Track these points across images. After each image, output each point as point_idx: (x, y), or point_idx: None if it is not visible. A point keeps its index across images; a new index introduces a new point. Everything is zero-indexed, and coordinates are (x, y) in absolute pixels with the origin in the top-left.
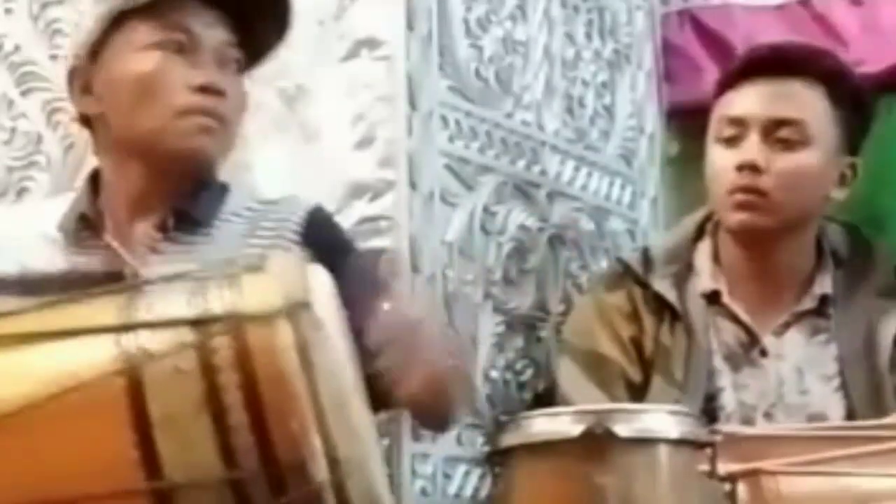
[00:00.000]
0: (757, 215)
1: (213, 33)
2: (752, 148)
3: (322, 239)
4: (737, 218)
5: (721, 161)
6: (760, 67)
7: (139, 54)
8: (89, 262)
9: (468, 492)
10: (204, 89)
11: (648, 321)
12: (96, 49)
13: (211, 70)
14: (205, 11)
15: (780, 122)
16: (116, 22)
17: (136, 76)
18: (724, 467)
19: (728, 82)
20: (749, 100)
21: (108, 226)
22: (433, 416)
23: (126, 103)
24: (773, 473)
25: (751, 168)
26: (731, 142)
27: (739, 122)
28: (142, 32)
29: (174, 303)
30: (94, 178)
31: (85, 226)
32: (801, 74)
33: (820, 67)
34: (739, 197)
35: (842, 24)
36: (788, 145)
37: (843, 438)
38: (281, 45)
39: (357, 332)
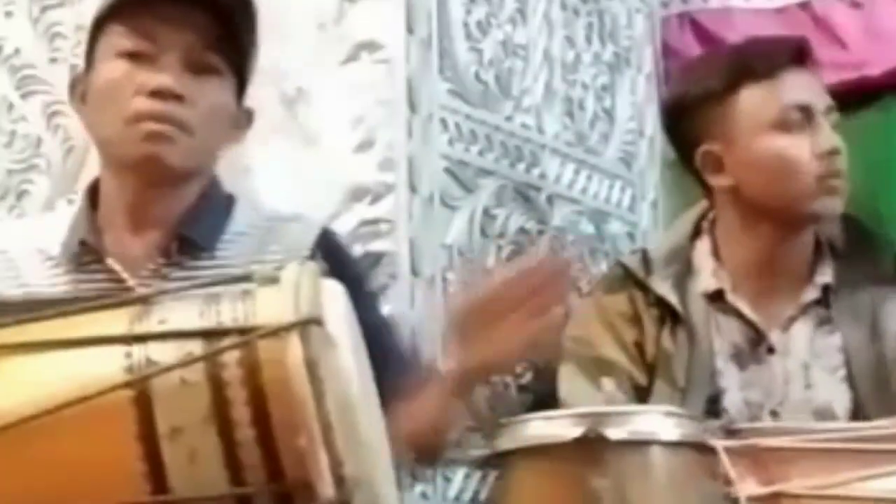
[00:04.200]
0: (840, 199)
1: (180, 37)
2: (831, 133)
3: (333, 267)
4: (831, 204)
5: (798, 150)
6: (797, 57)
7: (110, 62)
8: (92, 287)
9: (468, 495)
10: (157, 94)
11: (650, 324)
12: (88, 57)
13: (172, 75)
14: (176, 14)
15: (830, 109)
16: (100, 29)
17: (102, 85)
18: (744, 488)
19: (766, 71)
20: (805, 87)
21: (110, 248)
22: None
23: (98, 112)
24: (795, 497)
25: (836, 153)
26: (795, 129)
27: (805, 109)
28: (116, 38)
29: (186, 314)
30: (93, 192)
31: (87, 250)
32: (809, 64)
33: (815, 60)
34: (834, 182)
35: (842, 26)
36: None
37: (866, 452)
38: (254, 40)
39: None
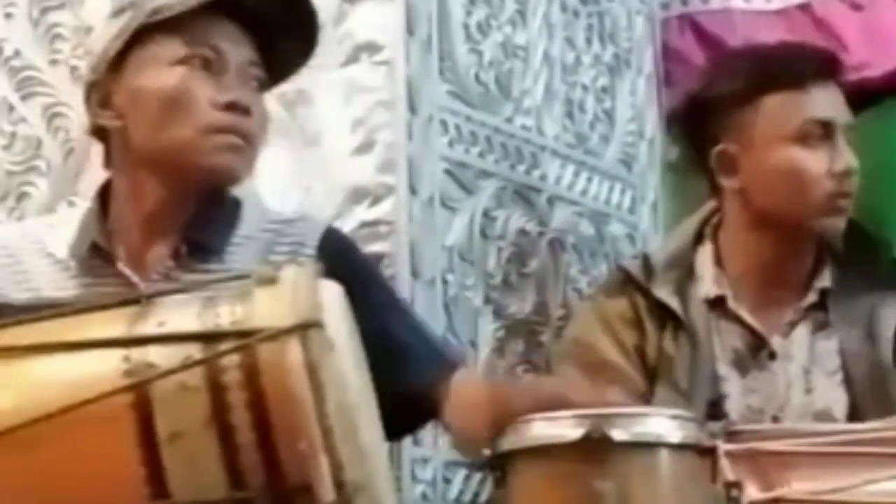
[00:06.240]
0: (844, 219)
1: (238, 51)
2: (847, 153)
3: (340, 262)
4: (834, 223)
5: (814, 165)
6: (825, 70)
7: (167, 69)
8: (102, 291)
9: (468, 496)
10: (231, 107)
11: (651, 329)
12: (116, 62)
13: (237, 88)
14: (231, 29)
15: (850, 127)
16: (138, 35)
17: (164, 92)
18: (745, 492)
19: (793, 81)
20: (830, 103)
21: (121, 253)
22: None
23: (152, 119)
24: (796, 502)
25: (851, 174)
26: (814, 143)
27: (826, 125)
28: (168, 47)
29: (185, 317)
30: (104, 195)
31: (97, 254)
32: (837, 78)
33: (843, 72)
34: (843, 203)
35: (842, 28)
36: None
37: (867, 455)
38: (303, 66)
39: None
